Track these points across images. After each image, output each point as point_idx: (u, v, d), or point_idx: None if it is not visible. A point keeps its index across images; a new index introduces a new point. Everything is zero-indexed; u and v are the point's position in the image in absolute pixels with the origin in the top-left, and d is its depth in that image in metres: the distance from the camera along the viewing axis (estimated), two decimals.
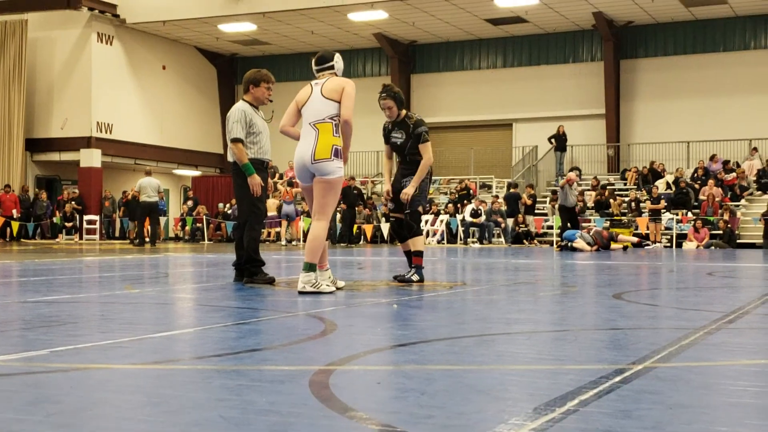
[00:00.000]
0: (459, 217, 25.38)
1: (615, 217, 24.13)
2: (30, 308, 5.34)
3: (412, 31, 29.91)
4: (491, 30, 29.70)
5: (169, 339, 4.03)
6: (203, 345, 3.86)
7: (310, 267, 6.39)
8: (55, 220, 27.58)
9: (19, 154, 28.83)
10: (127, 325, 4.57)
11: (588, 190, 26.60)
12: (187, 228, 28.42)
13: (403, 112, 7.81)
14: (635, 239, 21.39)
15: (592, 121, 29.43)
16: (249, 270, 7.59)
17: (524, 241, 24.66)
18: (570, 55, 30.05)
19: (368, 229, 25.59)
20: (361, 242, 25.26)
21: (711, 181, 25.06)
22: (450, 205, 26.22)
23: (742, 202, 25.01)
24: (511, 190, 26.46)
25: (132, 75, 30.44)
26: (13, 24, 28.99)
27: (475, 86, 31.16)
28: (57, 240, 26.70)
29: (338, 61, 6.94)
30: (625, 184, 27.66)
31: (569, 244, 19.19)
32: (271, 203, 24.66)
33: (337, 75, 6.87)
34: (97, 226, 28.06)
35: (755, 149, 26.80)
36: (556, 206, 22.73)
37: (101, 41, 29.17)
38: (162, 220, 28.55)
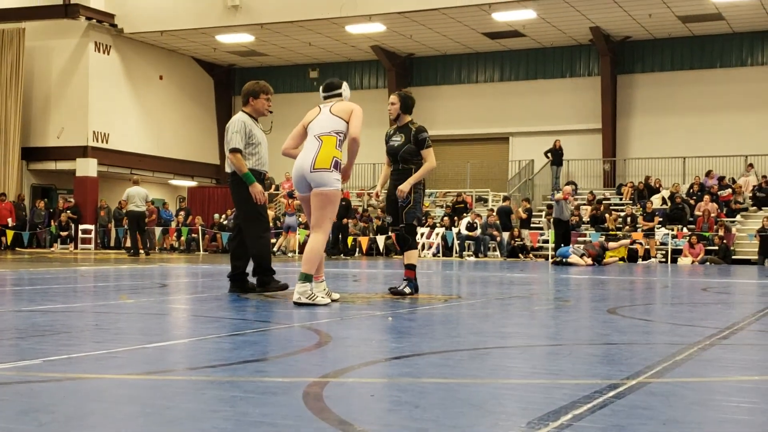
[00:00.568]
0: (455, 230, 25.39)
1: (610, 232, 24.14)
2: (24, 317, 5.33)
3: (409, 44, 29.98)
4: (488, 44, 29.79)
5: (163, 349, 4.02)
6: (197, 356, 3.85)
7: (306, 278, 6.39)
8: (50, 229, 27.54)
9: (15, 162, 28.80)
10: (121, 335, 4.56)
11: (584, 204, 26.63)
12: (183, 238, 28.37)
13: (408, 118, 7.85)
14: (628, 242, 21.30)
15: (588, 136, 29.49)
16: (261, 279, 7.54)
17: (519, 255, 24.67)
18: (567, 70, 30.14)
19: (364, 241, 25.58)
20: (357, 254, 25.24)
21: (707, 197, 25.11)
22: (446, 218, 26.22)
23: (738, 218, 25.06)
24: (503, 204, 26.46)
25: (129, 85, 30.46)
26: (10, 32, 29.01)
27: (472, 100, 31.22)
28: (52, 249, 26.65)
29: (346, 89, 7.13)
30: (621, 199, 27.70)
31: (563, 260, 19.21)
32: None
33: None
34: (93, 235, 28.01)
35: (751, 165, 26.87)
36: (551, 220, 22.75)
37: (98, 51, 29.20)
38: (158, 230, 28.55)
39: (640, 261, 22.92)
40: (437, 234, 25.57)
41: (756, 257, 22.75)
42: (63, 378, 3.13)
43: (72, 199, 28.96)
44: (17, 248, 26.45)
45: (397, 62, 31.39)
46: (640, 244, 22.64)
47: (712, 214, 24.37)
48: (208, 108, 34.43)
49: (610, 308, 6.72)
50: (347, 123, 6.72)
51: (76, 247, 27.44)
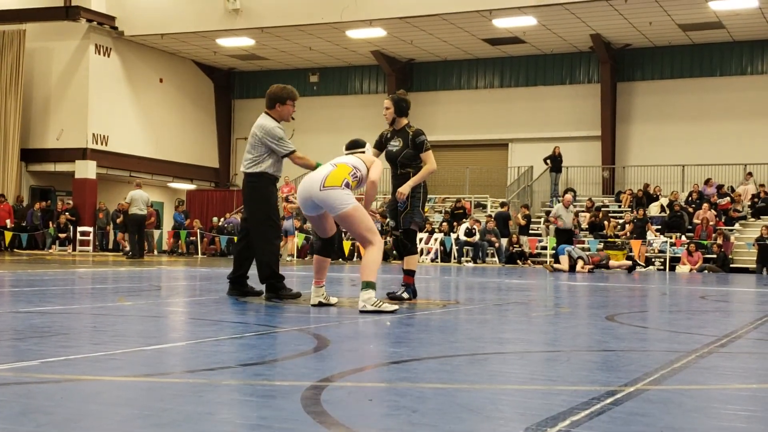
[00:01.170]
0: (453, 235, 25.39)
1: (609, 239, 24.15)
2: (22, 319, 5.33)
3: (410, 49, 30.01)
4: (489, 50, 29.83)
5: (161, 352, 4.02)
6: (195, 358, 3.85)
7: (368, 285, 6.34)
8: (49, 231, 27.53)
9: (14, 164, 28.79)
10: (119, 338, 4.56)
11: (582, 211, 26.64)
12: (181, 241, 28.36)
13: (404, 121, 7.81)
14: (628, 262, 21.27)
15: (587, 143, 29.51)
16: (272, 285, 7.43)
17: (518, 261, 24.67)
18: (567, 77, 30.16)
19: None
20: (355, 259, 25.22)
21: (705, 205, 25.13)
22: (444, 224, 26.23)
23: (736, 226, 25.07)
24: (500, 210, 26.48)
25: (129, 87, 30.47)
26: (11, 34, 29.02)
27: (472, 105, 31.25)
28: (50, 251, 26.63)
29: (369, 150, 7.09)
30: (620, 207, 27.71)
31: (553, 265, 19.36)
32: None
33: None
34: (91, 237, 27.99)
35: (750, 174, 26.89)
36: (549, 227, 22.82)
37: (99, 53, 29.22)
38: (156, 233, 28.54)
39: (638, 268, 22.92)
40: (436, 239, 25.57)
41: (754, 266, 22.76)
42: (61, 379, 3.13)
43: (71, 201, 28.95)
44: (15, 249, 26.43)
45: (398, 67, 31.42)
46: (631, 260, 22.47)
47: (711, 223, 24.39)
48: (208, 111, 34.45)
49: (608, 315, 6.72)
50: (367, 169, 6.69)
51: (74, 249, 27.43)
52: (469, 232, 25.15)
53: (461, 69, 31.53)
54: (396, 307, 6.46)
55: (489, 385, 3.28)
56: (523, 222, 26.00)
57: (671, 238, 24.25)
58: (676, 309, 8.30)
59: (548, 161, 28.77)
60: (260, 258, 7.45)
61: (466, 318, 6.43)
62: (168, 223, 32.73)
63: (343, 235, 24.32)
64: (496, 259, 25.20)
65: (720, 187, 26.68)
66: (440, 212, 28.78)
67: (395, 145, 7.74)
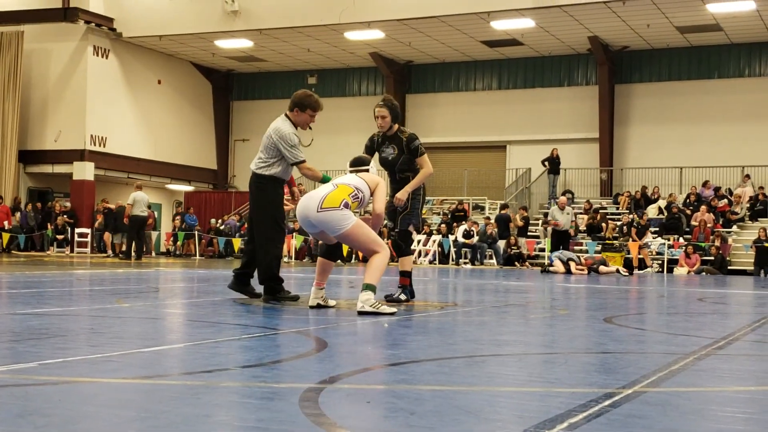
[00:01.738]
0: (451, 237, 25.40)
1: (607, 241, 24.16)
2: (19, 320, 5.32)
3: (408, 51, 30.03)
4: (487, 52, 29.85)
5: (159, 354, 4.02)
6: (193, 360, 3.84)
7: (368, 287, 6.33)
8: (47, 232, 27.51)
9: (12, 165, 28.78)
10: (117, 339, 4.55)
11: (580, 213, 26.66)
12: (179, 243, 28.36)
13: (396, 126, 7.75)
14: (612, 269, 20.98)
15: (585, 145, 29.54)
16: (271, 287, 7.41)
17: (516, 263, 24.67)
18: (565, 79, 30.19)
19: None
20: (353, 261, 25.22)
21: (703, 207, 25.14)
22: (443, 225, 26.24)
23: (734, 228, 25.09)
24: (502, 212, 26.52)
25: (127, 89, 30.47)
26: (9, 35, 29.02)
27: (470, 107, 31.27)
28: (48, 252, 26.61)
29: (373, 168, 7.04)
30: (618, 209, 27.72)
31: (548, 267, 19.38)
32: None
33: None
34: (89, 239, 27.97)
35: (747, 176, 26.92)
36: (549, 229, 22.84)
37: (97, 54, 29.21)
38: (154, 234, 28.53)
39: (636, 271, 22.92)
40: (434, 241, 25.58)
41: (752, 268, 22.78)
42: (59, 381, 3.13)
43: (68, 204, 28.93)
44: (13, 251, 26.41)
45: (396, 69, 31.43)
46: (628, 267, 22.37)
47: (709, 225, 24.41)
48: (206, 113, 34.45)
49: (606, 317, 6.72)
50: (370, 191, 6.64)
51: (72, 251, 27.41)
52: (468, 234, 25.16)
53: (459, 71, 31.56)
54: (394, 309, 6.46)
55: (487, 387, 3.28)
56: (521, 223, 26.01)
57: (669, 240, 24.26)
58: (673, 311, 8.30)
59: (546, 163, 28.79)
60: (262, 260, 7.44)
61: (464, 320, 6.43)
62: (166, 225, 32.74)
63: None
64: (494, 260, 25.20)
65: (717, 189, 26.71)
66: (438, 214, 28.79)
67: (390, 152, 7.68)
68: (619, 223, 25.52)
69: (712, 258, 23.07)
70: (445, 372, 3.62)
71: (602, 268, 19.73)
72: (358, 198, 6.52)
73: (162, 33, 28.97)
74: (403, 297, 7.60)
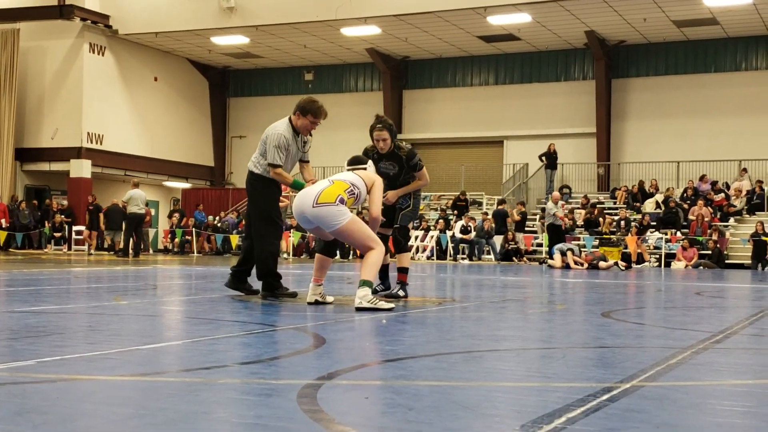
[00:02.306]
0: (449, 233, 25.41)
1: (604, 236, 24.18)
2: (17, 318, 5.32)
3: (404, 46, 30.01)
4: (484, 47, 29.83)
5: (157, 351, 4.02)
6: (191, 357, 3.84)
7: (365, 283, 6.33)
8: (44, 230, 27.49)
9: (9, 163, 28.75)
10: (115, 337, 4.55)
11: (578, 208, 26.67)
12: (177, 240, 28.34)
13: (392, 144, 7.70)
14: (623, 265, 21.02)
15: (582, 140, 29.53)
16: (269, 284, 7.41)
17: (513, 258, 24.69)
18: (562, 74, 30.18)
19: None
20: (351, 257, 25.23)
21: (700, 201, 25.16)
22: (441, 221, 26.24)
23: (731, 222, 25.11)
24: (499, 207, 26.54)
25: (123, 86, 30.43)
26: (5, 33, 28.96)
27: (467, 103, 31.25)
28: (45, 250, 26.59)
29: (370, 167, 7.06)
30: (615, 203, 27.74)
31: (547, 262, 19.44)
32: None
33: None
34: (93, 237, 27.91)
35: (745, 170, 26.92)
36: (544, 224, 22.99)
37: (93, 52, 29.16)
38: (151, 232, 28.50)
39: (633, 265, 22.95)
40: (431, 237, 25.58)
41: (749, 262, 22.80)
42: (56, 379, 3.13)
43: (65, 202, 28.89)
44: (10, 249, 26.39)
45: (392, 65, 31.41)
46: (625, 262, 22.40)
47: (706, 219, 24.42)
48: (203, 110, 34.41)
49: (604, 312, 6.73)
50: (367, 189, 6.63)
51: (69, 249, 27.38)
52: (465, 230, 25.16)
53: (456, 66, 31.53)
54: (392, 305, 6.46)
55: (485, 383, 3.28)
56: (518, 218, 26.03)
57: (666, 234, 24.28)
58: (671, 305, 8.31)
59: (543, 158, 28.79)
60: (259, 256, 7.44)
61: (461, 315, 6.44)
62: (163, 222, 32.71)
63: None
64: (491, 256, 25.21)
65: (715, 183, 26.73)
66: (436, 210, 28.80)
67: (390, 168, 7.63)
68: (616, 217, 25.54)
69: (710, 252, 23.09)
70: (443, 367, 3.62)
71: (602, 263, 19.74)
72: (354, 194, 6.52)
73: (158, 30, 28.93)
74: (401, 293, 7.62)
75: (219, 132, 34.84)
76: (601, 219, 25.37)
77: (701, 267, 22.34)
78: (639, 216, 25.32)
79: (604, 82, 28.76)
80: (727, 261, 23.10)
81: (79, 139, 28.75)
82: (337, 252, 24.63)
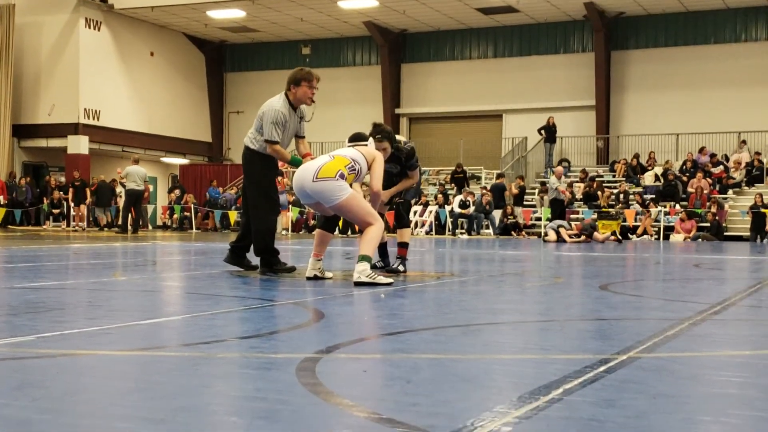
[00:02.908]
0: (448, 208, 25.41)
1: (603, 209, 24.19)
2: (17, 294, 5.33)
3: (402, 19, 29.85)
4: (482, 19, 29.68)
5: (157, 326, 4.03)
6: (190, 332, 3.86)
7: (364, 258, 6.31)
8: (42, 206, 27.48)
9: (6, 140, 28.68)
10: (114, 312, 4.57)
11: (576, 181, 26.67)
12: (175, 216, 28.34)
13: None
14: (613, 237, 20.94)
15: (582, 113, 29.47)
16: (266, 260, 7.40)
17: (512, 232, 24.71)
18: (561, 46, 30.05)
19: None
20: (349, 233, 25.24)
21: (699, 174, 25.15)
22: (440, 196, 26.24)
23: (730, 194, 25.12)
24: (497, 181, 26.52)
25: (120, 61, 30.30)
26: (0, 9, 28.78)
27: (466, 76, 31.14)
28: (44, 227, 26.60)
29: (371, 144, 6.99)
30: (614, 176, 27.73)
31: (544, 237, 19.55)
32: None
33: None
34: (85, 213, 27.93)
35: (744, 142, 26.89)
36: (546, 198, 23.01)
37: (89, 27, 29.01)
38: (150, 208, 28.49)
39: (634, 237, 22.99)
40: (430, 212, 25.58)
41: (748, 234, 22.84)
42: (56, 354, 3.14)
43: (63, 178, 28.86)
44: (9, 226, 26.39)
45: (390, 38, 31.26)
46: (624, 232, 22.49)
47: (705, 191, 24.43)
48: (200, 85, 34.28)
49: (601, 284, 6.74)
50: (368, 164, 6.59)
51: (68, 225, 27.39)
52: (464, 204, 25.17)
53: (454, 39, 31.39)
54: (391, 279, 6.47)
55: (483, 355, 3.30)
56: (516, 192, 26.03)
57: (665, 207, 24.30)
58: (669, 277, 8.33)
59: (542, 132, 28.74)
60: (256, 232, 7.44)
61: (460, 289, 6.45)
62: (162, 198, 32.70)
63: None
64: (490, 230, 25.23)
65: (714, 155, 26.70)
66: (434, 185, 28.78)
67: (393, 168, 7.62)
68: (615, 191, 25.54)
69: (709, 224, 23.11)
70: (441, 341, 3.64)
71: (596, 234, 19.72)
72: (354, 170, 6.50)
73: (153, 4, 28.76)
74: (401, 268, 7.64)
75: (216, 107, 34.74)
76: (599, 192, 25.38)
77: (700, 239, 22.37)
78: (640, 189, 25.33)
79: (603, 54, 28.65)
80: (725, 233, 23.14)
81: (76, 115, 28.67)
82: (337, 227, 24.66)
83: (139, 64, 31.03)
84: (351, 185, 6.45)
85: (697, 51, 28.28)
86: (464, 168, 28.21)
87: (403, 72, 32.07)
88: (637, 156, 27.52)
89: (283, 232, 24.61)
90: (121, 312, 4.60)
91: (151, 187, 28.68)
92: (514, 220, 25.04)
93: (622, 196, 25.06)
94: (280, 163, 7.65)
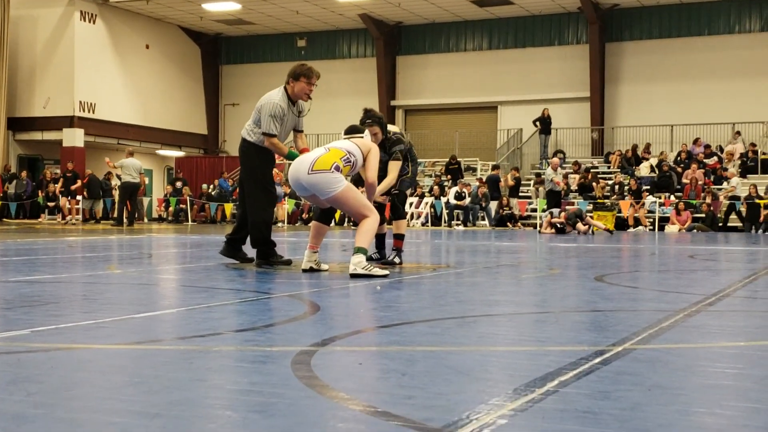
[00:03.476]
0: (443, 199, 25.42)
1: (598, 200, 24.21)
2: (11, 288, 5.32)
3: (397, 11, 29.81)
4: (477, 11, 29.65)
5: (152, 319, 4.02)
6: (186, 325, 3.86)
7: (359, 250, 6.32)
8: (38, 200, 27.44)
9: (1, 133, 28.61)
10: (110, 306, 4.56)
11: (571, 173, 26.68)
12: (171, 209, 28.30)
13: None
14: (602, 228, 20.62)
15: (576, 104, 29.48)
16: (263, 252, 7.40)
17: (508, 223, 24.73)
18: (555, 38, 30.04)
19: None
20: (345, 224, 25.24)
21: (694, 165, 25.18)
22: (435, 187, 26.24)
23: (725, 185, 25.14)
24: (492, 173, 26.54)
25: (115, 54, 30.22)
26: None
27: (461, 68, 31.11)
28: (39, 220, 26.55)
29: (367, 136, 7.01)
30: (609, 167, 27.75)
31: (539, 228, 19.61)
32: None
33: None
34: (80, 206, 27.88)
35: (738, 133, 26.93)
36: (542, 189, 23.04)
37: (84, 20, 28.93)
38: (146, 200, 28.46)
39: (630, 229, 23.02)
40: (426, 203, 25.59)
41: (742, 225, 22.87)
42: (51, 348, 3.14)
43: (58, 171, 28.81)
44: (4, 219, 26.34)
45: (386, 31, 31.22)
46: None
47: (700, 182, 24.46)
48: (195, 77, 34.22)
49: (597, 276, 6.75)
50: (363, 157, 6.59)
51: (64, 218, 27.33)
52: (459, 196, 25.17)
53: (450, 31, 31.36)
54: (386, 271, 6.47)
55: (478, 347, 3.30)
56: (512, 183, 26.04)
57: (660, 198, 24.32)
58: (664, 269, 8.35)
59: (538, 123, 28.75)
60: (253, 224, 7.44)
61: (455, 281, 6.46)
62: (158, 191, 32.65)
63: None
64: (486, 222, 25.24)
65: (708, 146, 26.73)
66: (430, 176, 28.77)
67: (385, 157, 7.62)
68: (610, 182, 25.55)
69: (704, 215, 23.15)
70: (437, 333, 3.64)
71: (579, 225, 19.16)
72: (350, 162, 6.50)
73: None
74: (397, 260, 7.64)
75: (212, 100, 34.68)
76: (594, 183, 25.40)
77: (695, 230, 22.40)
78: (633, 180, 25.35)
79: (597, 46, 28.64)
80: (720, 224, 23.17)
81: (71, 108, 28.60)
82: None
83: (134, 56, 30.96)
84: (346, 177, 6.46)
85: (692, 42, 28.29)
86: (458, 159, 28.21)
87: (398, 64, 32.03)
88: (635, 147, 27.53)
89: (279, 224, 24.60)
90: (116, 305, 4.60)
91: (146, 180, 28.61)
92: (509, 212, 25.06)
93: (617, 187, 25.08)
94: (277, 156, 7.64)
